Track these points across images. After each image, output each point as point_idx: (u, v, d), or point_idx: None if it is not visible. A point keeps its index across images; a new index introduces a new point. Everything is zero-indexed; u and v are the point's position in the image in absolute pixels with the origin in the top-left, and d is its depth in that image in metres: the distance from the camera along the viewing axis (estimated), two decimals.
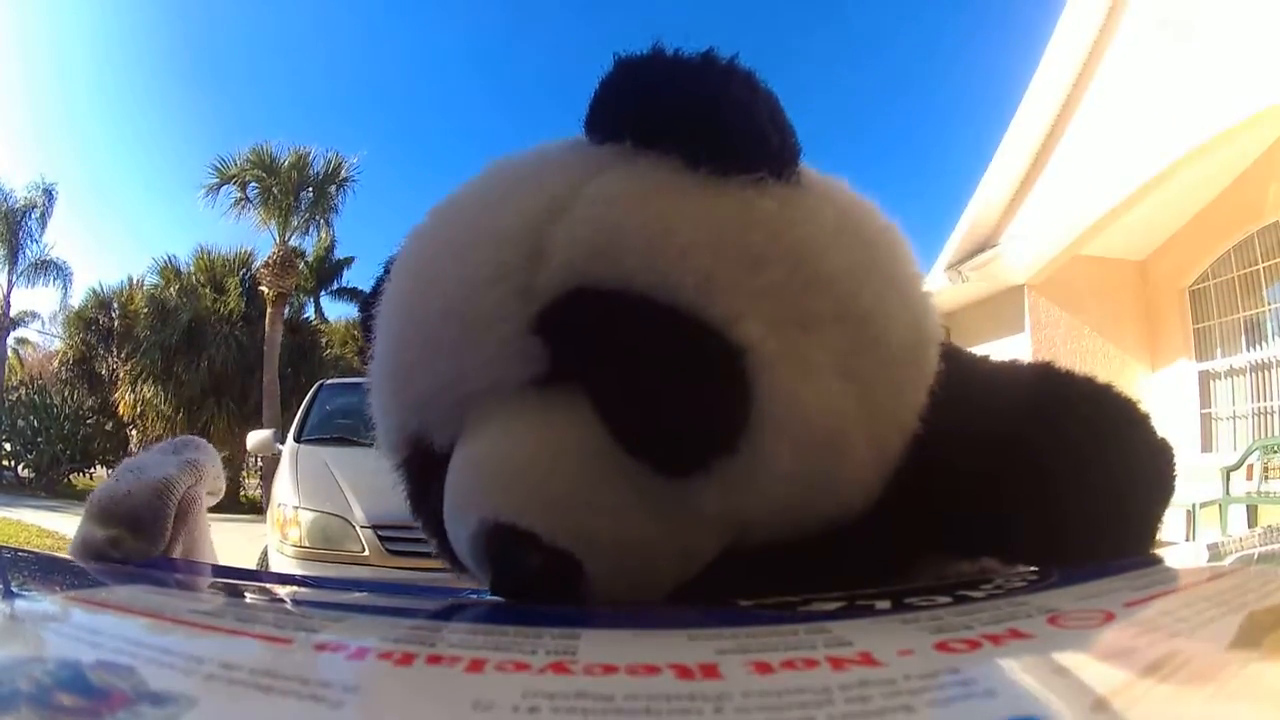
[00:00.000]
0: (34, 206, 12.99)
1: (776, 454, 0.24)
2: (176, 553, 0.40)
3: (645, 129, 0.26)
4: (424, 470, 0.30)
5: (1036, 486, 0.27)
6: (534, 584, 0.25)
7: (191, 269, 13.10)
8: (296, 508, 2.69)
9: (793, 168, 0.27)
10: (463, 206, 0.29)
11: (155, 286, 12.99)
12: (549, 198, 0.25)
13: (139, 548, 0.38)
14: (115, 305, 13.41)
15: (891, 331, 0.27)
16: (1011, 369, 0.35)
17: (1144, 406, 0.34)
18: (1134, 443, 0.31)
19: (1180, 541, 3.51)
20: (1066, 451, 0.28)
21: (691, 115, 0.25)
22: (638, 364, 0.24)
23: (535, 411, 0.25)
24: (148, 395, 12.04)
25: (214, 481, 0.44)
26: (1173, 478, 0.32)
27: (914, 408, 0.28)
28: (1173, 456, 0.32)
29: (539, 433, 0.25)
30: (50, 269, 13.42)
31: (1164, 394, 4.99)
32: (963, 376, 0.32)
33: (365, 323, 0.34)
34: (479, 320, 0.25)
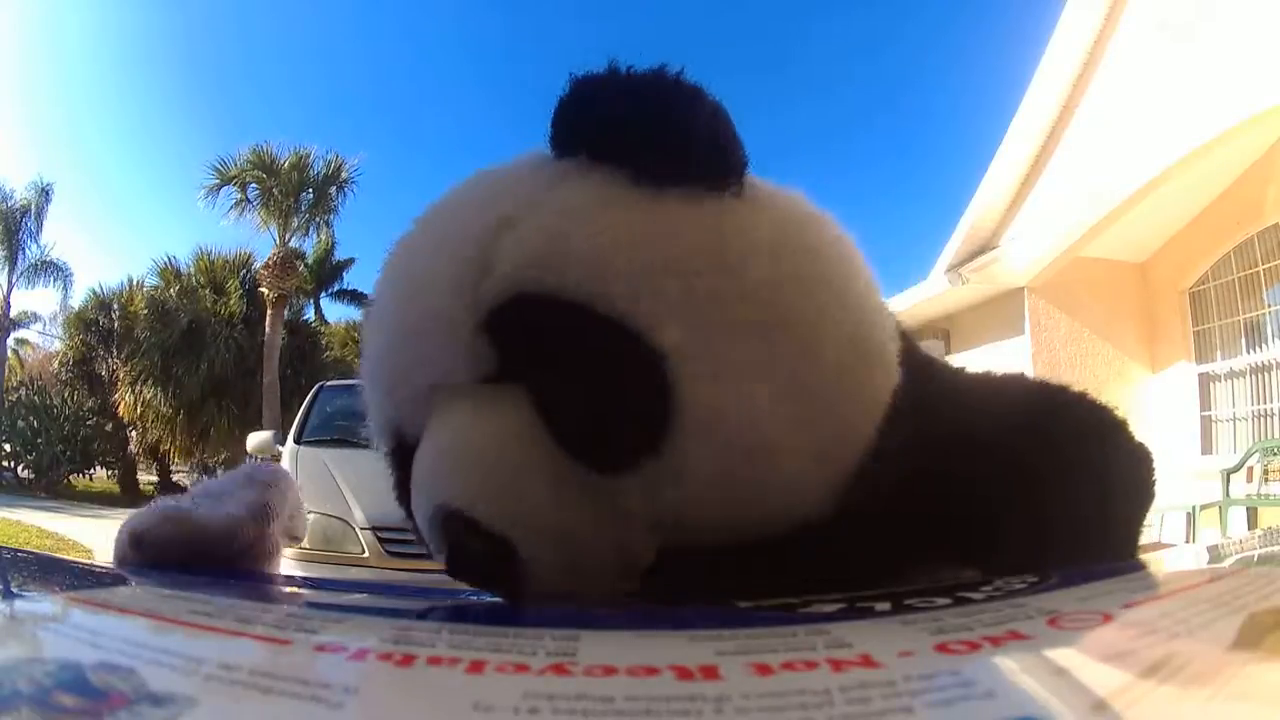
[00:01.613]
0: (33, 206, 13.00)
1: (699, 458, 0.25)
2: None
3: (597, 144, 0.27)
4: (402, 461, 0.32)
5: (1020, 493, 0.28)
6: (475, 566, 0.27)
7: (191, 270, 13.10)
8: None
9: (733, 180, 0.28)
10: (433, 216, 0.31)
11: (155, 288, 12.98)
12: (504, 210, 0.27)
13: (183, 559, 0.37)
14: (115, 306, 13.40)
15: (829, 342, 0.27)
16: (989, 379, 0.36)
17: (1122, 413, 0.33)
18: (1114, 449, 0.31)
19: (1180, 543, 3.51)
20: (1049, 459, 0.29)
21: (634, 131, 0.27)
22: (569, 367, 0.25)
23: (485, 407, 0.27)
24: (148, 396, 12.03)
25: (290, 522, 0.43)
26: (1153, 484, 0.32)
27: (863, 418, 0.28)
28: (1153, 463, 0.32)
29: (486, 426, 0.27)
30: (50, 270, 13.44)
31: (1164, 396, 4.99)
32: (937, 387, 0.32)
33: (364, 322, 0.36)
34: (436, 320, 0.27)
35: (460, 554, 0.27)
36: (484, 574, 0.27)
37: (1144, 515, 0.32)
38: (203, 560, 0.38)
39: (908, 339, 0.32)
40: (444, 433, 0.27)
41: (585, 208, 0.26)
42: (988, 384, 0.35)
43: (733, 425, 0.25)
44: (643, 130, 0.26)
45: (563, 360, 0.25)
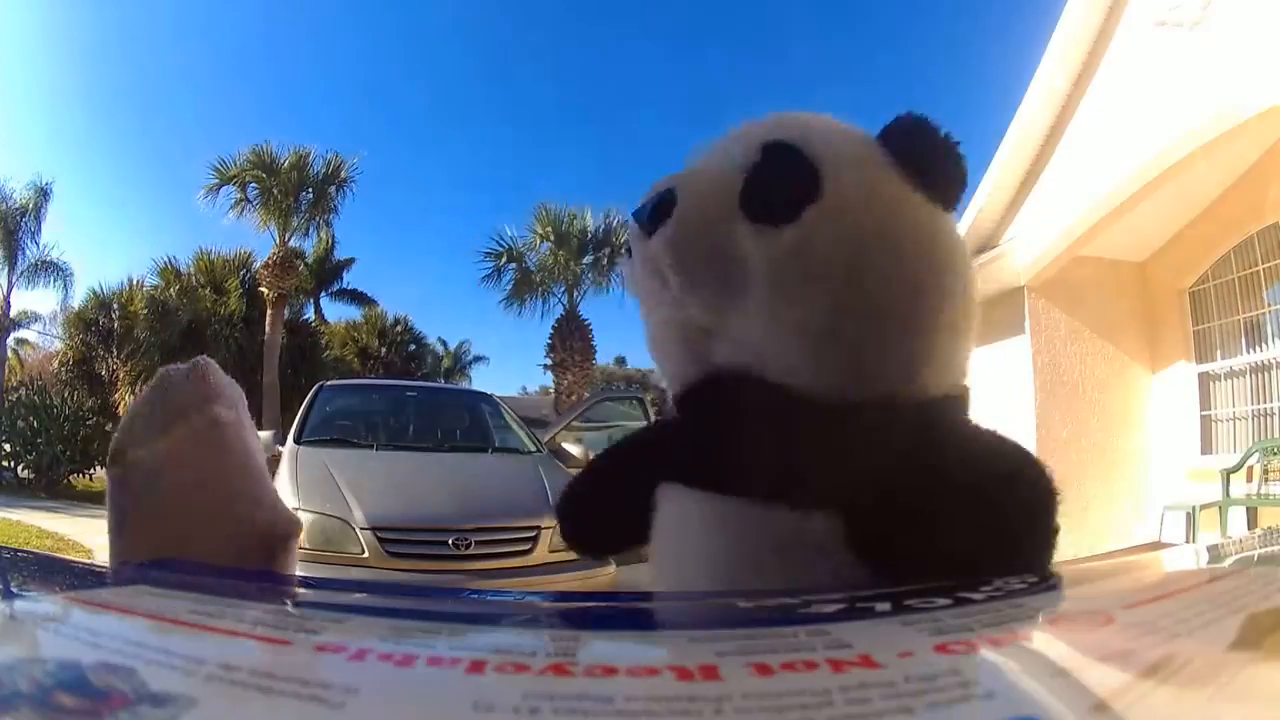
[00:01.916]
0: (31, 207, 12.99)
1: (827, 233, 0.38)
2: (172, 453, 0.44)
3: (899, 149, 0.42)
4: None
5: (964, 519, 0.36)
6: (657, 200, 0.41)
7: (191, 270, 13.09)
8: (296, 509, 2.68)
9: (949, 207, 0.43)
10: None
11: (155, 287, 12.96)
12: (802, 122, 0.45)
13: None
14: (115, 306, 13.39)
15: (936, 296, 0.40)
16: (986, 435, 0.43)
17: (1053, 486, 0.43)
18: (1043, 523, 0.42)
19: (1180, 543, 3.51)
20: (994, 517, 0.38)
21: (933, 159, 0.43)
22: (771, 165, 0.41)
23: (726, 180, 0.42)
24: None
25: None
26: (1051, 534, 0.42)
27: (914, 361, 0.39)
28: (1054, 519, 0.42)
29: (720, 177, 0.42)
30: (50, 270, 13.44)
31: (1164, 395, 4.99)
32: (960, 419, 0.42)
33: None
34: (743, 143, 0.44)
35: (652, 195, 0.41)
36: (661, 198, 0.41)
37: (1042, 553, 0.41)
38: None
39: (965, 396, 0.42)
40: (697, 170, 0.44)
41: (845, 139, 0.42)
42: (984, 437, 0.42)
43: (823, 242, 0.37)
44: (915, 146, 0.41)
45: (779, 163, 0.40)
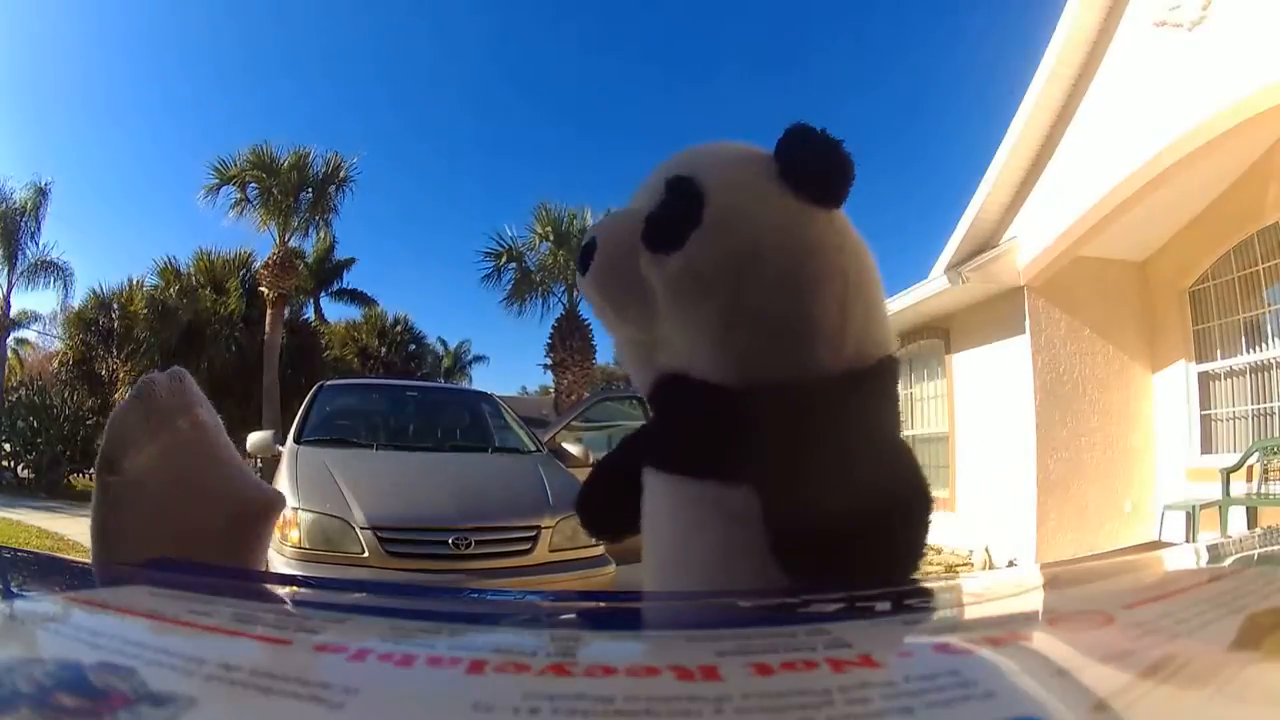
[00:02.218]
0: (31, 207, 12.99)
1: (710, 248, 0.44)
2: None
3: (781, 158, 0.48)
4: None
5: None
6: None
7: (191, 270, 13.09)
8: (295, 509, 2.68)
9: (828, 205, 0.48)
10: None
11: (155, 287, 12.96)
12: (694, 155, 0.52)
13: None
14: (115, 306, 13.38)
15: (802, 283, 0.46)
16: (894, 441, 0.49)
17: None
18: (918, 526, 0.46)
19: (1180, 543, 3.51)
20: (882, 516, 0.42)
21: (798, 159, 0.48)
22: (669, 201, 0.48)
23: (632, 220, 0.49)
24: None
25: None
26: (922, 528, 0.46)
27: (805, 347, 0.45)
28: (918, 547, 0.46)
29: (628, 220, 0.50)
30: (50, 270, 13.43)
31: (1164, 395, 4.99)
32: (885, 406, 0.48)
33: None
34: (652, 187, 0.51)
35: (584, 243, 0.50)
36: (586, 245, 0.50)
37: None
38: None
39: (886, 373, 0.48)
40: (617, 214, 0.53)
41: (735, 164, 0.48)
42: (894, 446, 0.48)
43: (704, 262, 0.44)
44: (795, 155, 0.46)
45: (674, 198, 0.47)
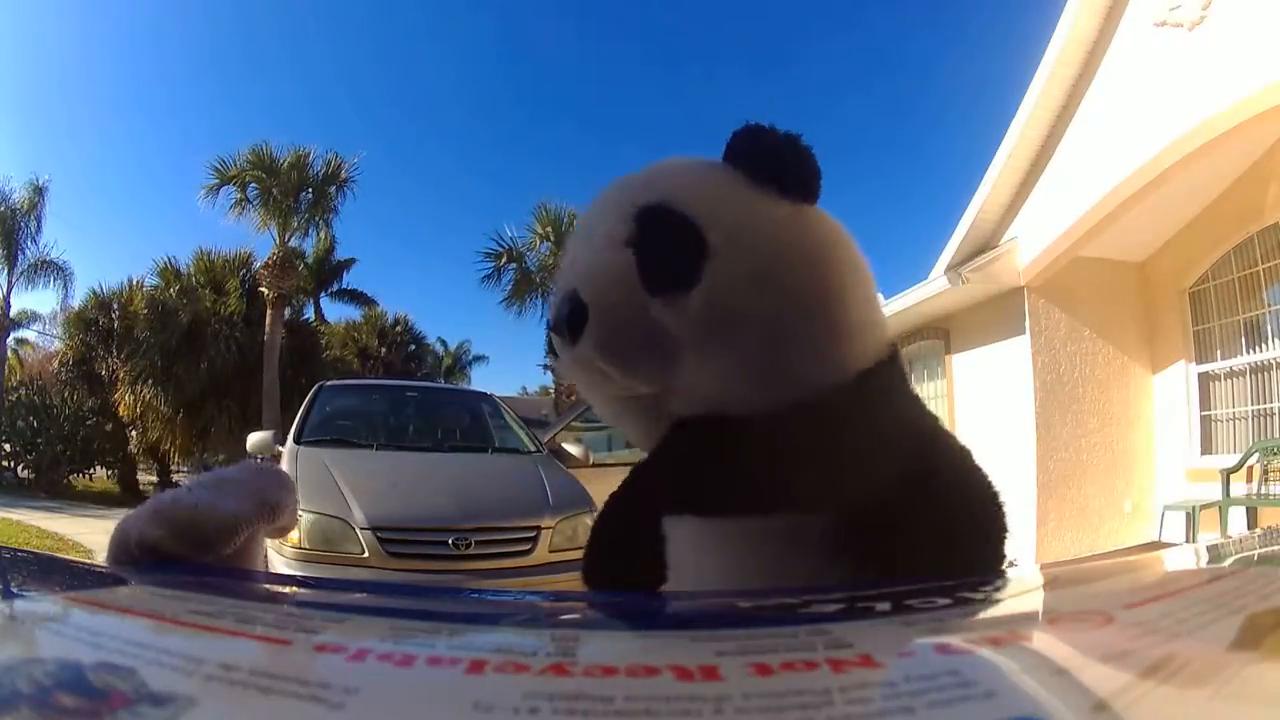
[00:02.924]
0: (31, 206, 12.99)
1: (714, 298, 0.41)
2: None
3: (739, 158, 0.45)
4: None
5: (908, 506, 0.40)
6: (565, 308, 0.43)
7: (191, 270, 13.08)
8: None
9: (795, 198, 0.44)
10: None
11: (155, 287, 12.93)
12: (665, 173, 0.48)
13: (179, 557, 0.38)
14: (115, 306, 13.38)
15: (801, 295, 0.43)
16: (936, 423, 0.47)
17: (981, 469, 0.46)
18: (988, 521, 0.44)
19: (1180, 543, 3.51)
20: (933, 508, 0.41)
21: (766, 158, 0.45)
22: (659, 235, 0.43)
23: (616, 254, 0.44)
24: (147, 396, 12.01)
25: (288, 518, 0.45)
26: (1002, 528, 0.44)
27: (816, 361, 0.42)
28: (1004, 519, 0.44)
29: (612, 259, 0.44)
30: (50, 269, 13.43)
31: (1164, 396, 4.99)
32: (903, 401, 0.46)
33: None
34: (618, 208, 0.46)
35: (562, 305, 0.43)
36: (571, 307, 0.43)
37: (991, 553, 0.43)
38: (196, 553, 0.39)
39: (896, 355, 0.46)
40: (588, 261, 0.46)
41: (707, 179, 0.45)
42: (933, 423, 0.46)
43: (729, 291, 0.40)
44: (768, 158, 0.44)
45: (660, 231, 0.42)
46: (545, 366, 12.67)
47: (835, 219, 0.45)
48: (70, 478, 12.65)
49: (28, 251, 13.32)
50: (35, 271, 13.45)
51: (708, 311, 0.40)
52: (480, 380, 20.96)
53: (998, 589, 0.28)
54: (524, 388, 22.22)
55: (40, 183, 13.24)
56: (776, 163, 0.43)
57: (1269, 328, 4.45)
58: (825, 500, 0.39)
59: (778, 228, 0.42)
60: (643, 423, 0.47)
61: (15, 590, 0.31)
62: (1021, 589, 0.37)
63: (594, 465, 3.96)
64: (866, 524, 0.39)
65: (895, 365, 0.45)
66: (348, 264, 16.91)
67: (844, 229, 0.46)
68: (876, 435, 0.41)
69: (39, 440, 11.99)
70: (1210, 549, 0.55)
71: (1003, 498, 0.45)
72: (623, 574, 0.51)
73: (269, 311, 11.85)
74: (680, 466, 0.44)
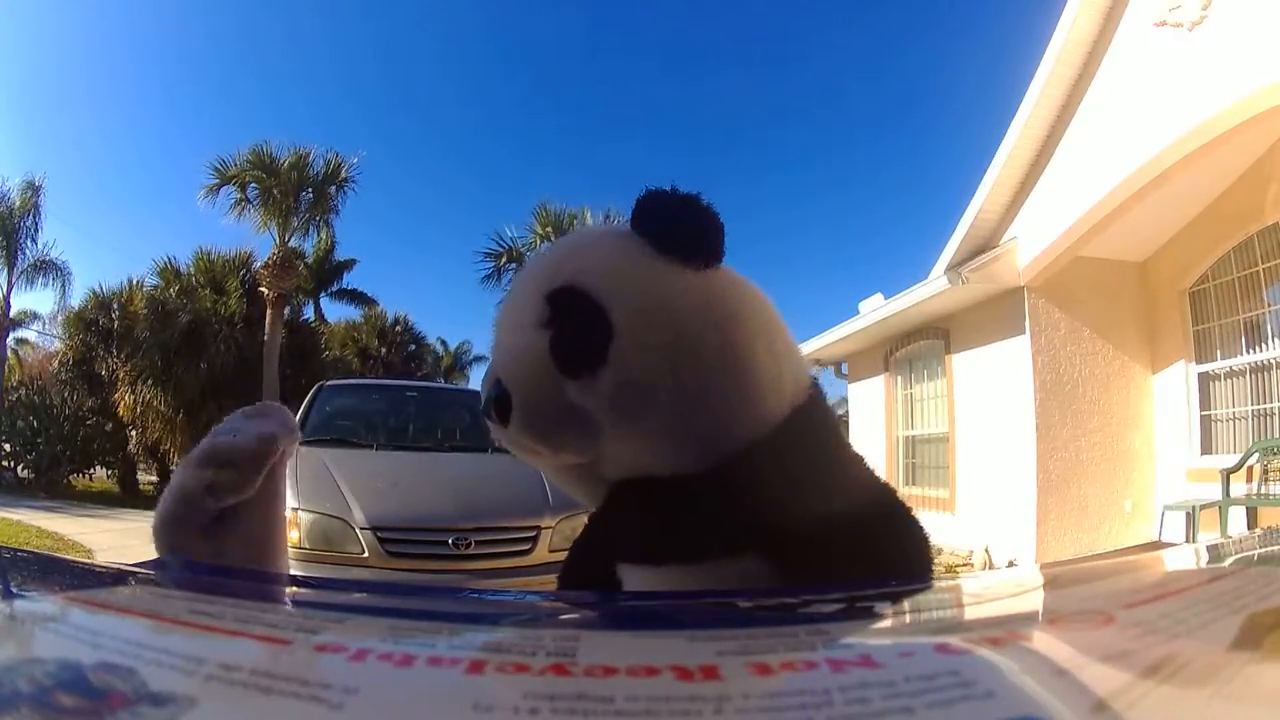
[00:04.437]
0: (30, 206, 12.98)
1: (620, 375, 0.43)
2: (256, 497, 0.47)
3: (643, 228, 0.47)
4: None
5: (839, 543, 0.42)
6: (492, 398, 0.46)
7: (191, 270, 13.06)
8: (295, 509, 2.68)
9: (698, 264, 0.45)
10: (539, 256, 0.55)
11: (155, 287, 12.91)
12: (572, 251, 0.50)
13: (235, 488, 0.44)
14: (115, 306, 13.36)
15: (709, 354, 0.44)
16: (857, 462, 0.49)
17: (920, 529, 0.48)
18: (915, 555, 0.47)
19: (1180, 543, 3.51)
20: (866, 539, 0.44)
21: (664, 226, 0.46)
22: (570, 319, 0.44)
23: (534, 342, 0.46)
24: (147, 396, 12.00)
25: (295, 438, 0.51)
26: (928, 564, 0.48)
27: (734, 416, 0.44)
28: (925, 538, 0.48)
29: (529, 346, 0.46)
30: (49, 269, 13.42)
31: (1164, 396, 4.99)
32: (827, 437, 0.48)
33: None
34: (530, 294, 0.48)
35: (490, 391, 0.46)
36: (497, 393, 0.45)
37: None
38: (245, 478, 0.45)
39: (817, 396, 0.48)
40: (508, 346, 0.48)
41: (613, 255, 0.46)
42: (856, 463, 0.49)
43: (636, 368, 0.42)
44: (668, 226, 0.45)
45: (569, 315, 0.44)
46: None
47: (742, 277, 0.48)
48: (70, 478, 12.65)
49: (27, 251, 13.31)
50: (35, 271, 13.45)
51: (617, 390, 0.42)
52: (480, 380, 20.96)
53: (996, 589, 0.28)
54: None
55: (36, 181, 13.22)
56: (675, 230, 0.45)
57: (1269, 328, 4.45)
58: (752, 545, 0.42)
59: (682, 297, 0.43)
60: (584, 485, 0.49)
61: (15, 590, 0.31)
62: (1021, 589, 0.37)
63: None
64: (794, 563, 0.41)
65: (813, 408, 0.47)
66: (348, 264, 16.92)
67: (750, 285, 0.48)
68: (797, 481, 0.43)
69: (39, 440, 11.98)
70: (1210, 549, 0.55)
71: (924, 527, 0.48)
72: None
73: (269, 311, 11.85)
74: (619, 522, 0.47)
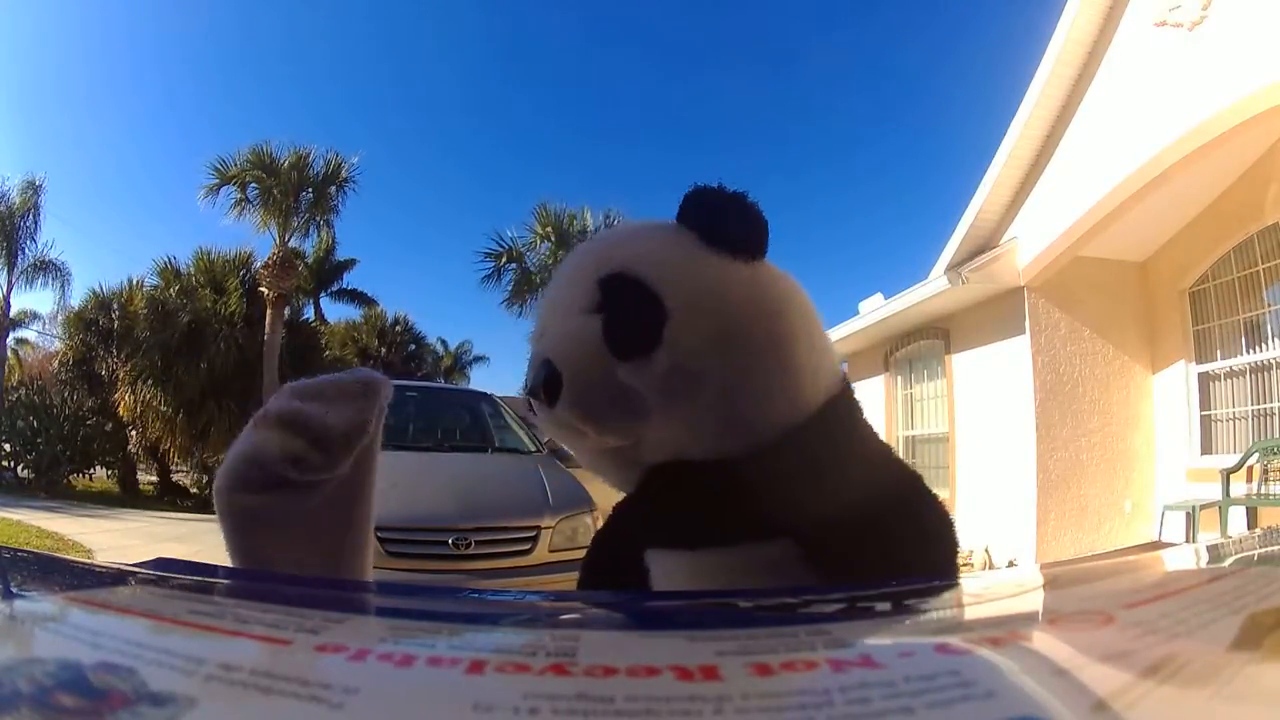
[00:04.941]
0: (30, 205, 12.97)
1: (674, 357, 0.44)
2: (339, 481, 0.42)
3: (692, 221, 0.48)
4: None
5: (868, 526, 0.44)
6: (540, 377, 0.46)
7: (191, 270, 13.04)
8: None
9: (744, 258, 0.47)
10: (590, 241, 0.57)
11: (155, 287, 12.89)
12: (622, 240, 0.52)
13: (321, 467, 0.40)
14: (115, 306, 13.35)
15: (755, 344, 0.45)
16: (885, 449, 0.51)
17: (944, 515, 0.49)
18: (938, 543, 0.47)
19: (1180, 543, 3.51)
20: (898, 520, 0.46)
21: (714, 219, 0.48)
22: (624, 305, 0.46)
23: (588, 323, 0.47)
24: (147, 396, 11.99)
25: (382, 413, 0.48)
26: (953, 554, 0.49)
27: (773, 405, 0.45)
28: (954, 539, 0.48)
29: (583, 329, 0.47)
30: (48, 269, 13.41)
31: (1164, 396, 4.99)
32: (856, 429, 0.49)
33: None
34: (581, 279, 0.49)
35: (538, 372, 0.46)
36: (547, 374, 0.45)
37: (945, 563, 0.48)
38: (332, 461, 0.40)
39: (848, 388, 0.50)
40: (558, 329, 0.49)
41: (663, 246, 0.48)
42: (884, 451, 0.51)
43: (688, 353, 0.44)
44: (717, 220, 0.47)
45: (623, 300, 0.45)
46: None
47: (782, 270, 0.49)
48: (70, 478, 12.64)
49: (27, 251, 13.31)
50: (35, 271, 13.44)
51: (670, 373, 0.43)
52: (480, 380, 21.01)
53: (996, 589, 0.28)
54: None
55: (37, 181, 13.21)
56: (724, 224, 0.46)
57: (1269, 328, 4.45)
58: (787, 530, 0.43)
59: (731, 288, 0.45)
60: (620, 470, 0.50)
61: (15, 590, 0.31)
62: (1021, 589, 0.37)
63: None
64: (826, 548, 0.43)
65: (846, 399, 0.49)
66: (348, 264, 16.92)
67: (792, 279, 0.49)
68: (831, 468, 0.45)
69: (39, 440, 11.98)
70: (1210, 549, 0.55)
71: (951, 516, 0.49)
72: None
73: (269, 311, 11.84)
74: (657, 507, 0.48)
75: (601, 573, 0.55)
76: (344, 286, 17.22)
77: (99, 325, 13.57)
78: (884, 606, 0.24)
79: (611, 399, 0.45)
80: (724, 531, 0.44)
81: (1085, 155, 4.56)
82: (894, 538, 0.44)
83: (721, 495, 0.44)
